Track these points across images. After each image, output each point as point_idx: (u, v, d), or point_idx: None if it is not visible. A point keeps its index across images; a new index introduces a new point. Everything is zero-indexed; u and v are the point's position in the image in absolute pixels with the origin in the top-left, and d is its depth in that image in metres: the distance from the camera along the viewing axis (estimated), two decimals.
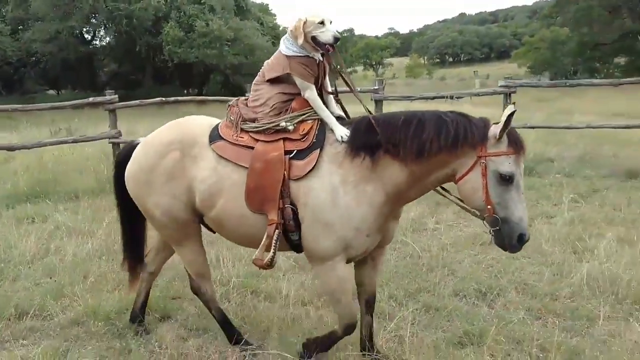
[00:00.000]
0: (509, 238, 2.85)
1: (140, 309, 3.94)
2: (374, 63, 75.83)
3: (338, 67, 3.33)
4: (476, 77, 48.48)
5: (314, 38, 3.14)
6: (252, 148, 3.19)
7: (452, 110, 2.99)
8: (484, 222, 2.95)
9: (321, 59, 3.24)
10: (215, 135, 3.33)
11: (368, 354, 3.41)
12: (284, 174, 3.07)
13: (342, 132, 3.10)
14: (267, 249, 3.10)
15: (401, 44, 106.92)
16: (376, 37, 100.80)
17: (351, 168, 3.03)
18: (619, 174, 8.29)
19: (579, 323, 3.85)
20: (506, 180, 2.80)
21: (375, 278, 3.46)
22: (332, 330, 3.38)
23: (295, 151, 3.12)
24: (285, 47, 3.24)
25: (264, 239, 3.10)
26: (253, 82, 3.37)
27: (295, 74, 3.19)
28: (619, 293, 4.17)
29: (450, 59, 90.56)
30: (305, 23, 3.14)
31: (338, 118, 3.25)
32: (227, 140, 3.27)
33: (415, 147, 2.90)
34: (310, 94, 3.19)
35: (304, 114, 3.20)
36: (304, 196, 3.06)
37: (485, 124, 2.88)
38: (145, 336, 3.81)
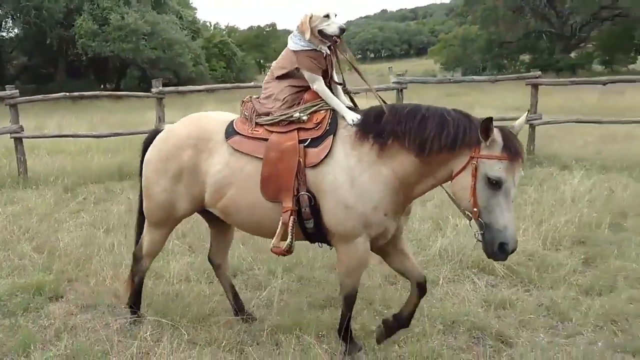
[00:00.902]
0: (490, 245, 2.87)
1: (235, 303, 4.01)
2: None
3: (347, 56, 3.39)
4: (390, 73, 50.08)
5: (320, 31, 3.28)
6: (267, 140, 3.32)
7: (455, 109, 3.09)
8: (470, 224, 3.00)
9: (328, 51, 3.36)
10: (230, 131, 3.44)
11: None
12: (299, 161, 3.18)
13: (352, 116, 3.23)
14: (284, 237, 3.21)
15: None
16: None
17: (363, 150, 3.15)
18: None
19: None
20: (494, 184, 2.82)
21: (412, 261, 3.49)
22: (341, 313, 3.46)
23: (309, 140, 3.24)
24: (293, 42, 3.37)
25: (279, 227, 3.21)
26: (263, 82, 3.55)
27: (303, 68, 3.31)
28: (462, 260, 4.88)
29: (372, 55, 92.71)
30: (311, 18, 3.28)
31: (349, 108, 3.36)
32: (243, 135, 3.39)
33: (418, 142, 3.01)
34: (319, 85, 3.30)
35: (316, 105, 3.31)
36: (323, 182, 3.16)
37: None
38: (35, 313, 4.11)
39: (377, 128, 3.12)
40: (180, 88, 12.18)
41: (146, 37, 31.10)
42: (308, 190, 3.18)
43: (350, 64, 3.44)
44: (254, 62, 66.30)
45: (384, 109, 3.17)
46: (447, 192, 3.19)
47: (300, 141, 3.23)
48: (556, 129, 11.07)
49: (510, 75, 11.56)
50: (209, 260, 4.12)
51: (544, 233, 5.31)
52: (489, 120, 2.79)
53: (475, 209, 2.88)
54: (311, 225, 3.24)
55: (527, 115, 3.00)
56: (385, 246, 3.42)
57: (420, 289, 3.45)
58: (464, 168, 2.92)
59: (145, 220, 3.86)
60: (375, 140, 3.11)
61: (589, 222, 5.69)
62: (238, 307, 3.99)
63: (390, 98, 11.17)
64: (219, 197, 3.43)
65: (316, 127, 3.26)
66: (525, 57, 45.80)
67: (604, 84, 9.78)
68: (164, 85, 9.96)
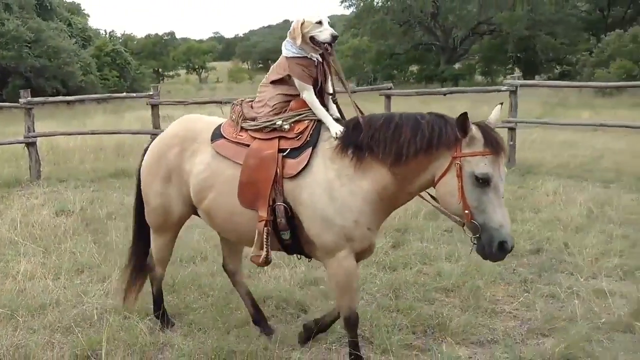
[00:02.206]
0: (489, 246, 2.75)
1: (254, 311, 3.97)
2: (196, 67, 75.49)
3: (335, 65, 3.32)
4: None
5: (312, 38, 3.23)
6: (249, 146, 3.28)
7: (430, 112, 3.05)
8: (464, 229, 2.92)
9: (319, 59, 3.30)
10: (217, 134, 3.43)
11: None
12: (277, 171, 3.14)
13: (337, 129, 3.16)
14: (261, 247, 3.19)
15: (225, 48, 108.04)
16: (200, 40, 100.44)
17: (344, 163, 3.09)
18: None
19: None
20: (482, 182, 2.73)
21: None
22: (348, 341, 3.38)
23: (289, 149, 3.18)
24: (286, 49, 3.34)
25: (256, 237, 3.19)
26: (259, 85, 3.49)
27: (294, 75, 3.25)
28: None
29: (274, 65, 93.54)
30: (303, 24, 3.24)
31: (336, 119, 3.31)
32: (227, 138, 3.37)
33: (394, 150, 2.95)
34: (308, 95, 3.25)
35: (300, 114, 3.26)
36: (300, 194, 3.11)
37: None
38: None
39: (355, 140, 3.08)
40: (50, 99, 12.11)
41: (30, 45, 29.86)
42: (285, 201, 3.14)
43: (336, 74, 3.36)
44: (151, 70, 64.99)
45: (359, 120, 3.14)
46: (428, 200, 3.16)
47: (280, 150, 3.19)
48: None
49: (365, 87, 12.65)
50: (224, 268, 4.12)
51: None
52: (464, 115, 2.73)
53: (466, 211, 2.77)
54: (287, 236, 3.20)
55: (500, 108, 2.96)
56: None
57: None
58: (447, 170, 2.84)
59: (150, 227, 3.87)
60: (353, 153, 3.06)
61: (413, 213, 6.61)
62: (257, 317, 3.94)
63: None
64: (201, 199, 3.43)
65: (297, 137, 3.21)
66: (414, 68, 48.53)
67: (444, 94, 11.04)
68: (52, 94, 10.07)
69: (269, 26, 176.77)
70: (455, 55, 46.84)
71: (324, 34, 3.21)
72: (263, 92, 3.41)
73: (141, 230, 4.00)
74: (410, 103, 15.63)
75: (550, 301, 4.37)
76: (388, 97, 10.61)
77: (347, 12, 49.04)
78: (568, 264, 5.09)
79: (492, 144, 2.76)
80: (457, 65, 46.84)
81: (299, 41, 3.23)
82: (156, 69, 71.37)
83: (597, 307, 4.16)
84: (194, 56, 73.96)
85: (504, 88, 10.01)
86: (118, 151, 11.53)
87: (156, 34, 75.40)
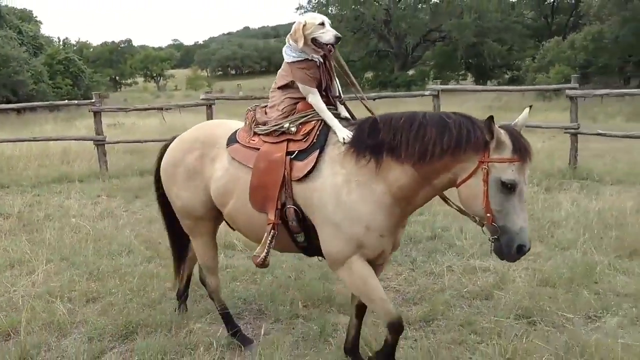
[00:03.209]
0: (508, 248, 2.75)
1: (184, 288, 4.39)
2: (154, 75, 75.03)
3: (341, 66, 3.31)
4: (240, 90, 51.57)
5: (314, 39, 3.20)
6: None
7: (455, 112, 2.95)
8: (483, 229, 2.92)
9: (322, 60, 3.27)
10: (232, 139, 3.46)
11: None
12: (285, 174, 3.13)
13: (344, 133, 3.12)
14: (263, 248, 3.21)
15: (184, 56, 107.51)
16: (159, 48, 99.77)
17: (355, 168, 3.02)
18: None
19: None
20: (508, 188, 2.70)
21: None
22: (384, 340, 3.23)
23: (296, 152, 3.17)
24: (286, 54, 3.31)
25: (264, 237, 3.20)
26: (270, 90, 3.49)
27: (297, 80, 3.24)
28: None
29: (233, 72, 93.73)
30: (304, 26, 3.20)
31: (344, 120, 3.29)
32: (241, 144, 3.39)
33: (417, 150, 2.87)
34: (313, 98, 3.23)
35: (306, 115, 3.25)
36: (310, 197, 3.09)
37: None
38: None
39: (373, 143, 2.99)
40: None
41: None
42: (295, 204, 3.13)
43: (344, 75, 3.35)
44: (108, 79, 64.34)
45: (378, 121, 3.06)
46: (448, 203, 3.14)
47: (289, 153, 3.18)
48: None
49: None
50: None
51: None
52: (491, 118, 2.68)
53: (488, 215, 2.75)
54: (302, 239, 3.21)
55: (528, 111, 2.91)
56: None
57: (358, 310, 3.48)
58: (473, 173, 2.78)
59: None
60: (372, 156, 2.99)
61: None
62: (183, 291, 4.37)
63: (201, 114, 12.35)
64: (223, 204, 3.46)
65: (304, 138, 3.19)
66: (369, 75, 49.60)
67: (374, 99, 11.68)
68: (2, 103, 10.25)
69: (229, 33, 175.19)
70: (408, 62, 48.09)
71: (327, 35, 3.18)
72: (273, 97, 3.42)
73: (172, 227, 4.14)
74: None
75: (429, 277, 5.01)
76: None
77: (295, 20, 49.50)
78: (457, 247, 5.74)
79: (521, 151, 2.71)
80: (410, 72, 48.09)
81: (301, 43, 3.19)
82: (113, 76, 70.73)
83: (465, 280, 4.81)
84: (151, 64, 73.68)
85: (427, 93, 10.73)
86: (64, 158, 11.81)
87: (113, 42, 74.85)
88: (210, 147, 3.54)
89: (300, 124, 3.24)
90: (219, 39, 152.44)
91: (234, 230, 3.82)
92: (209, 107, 11.06)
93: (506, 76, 45.54)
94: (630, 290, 4.53)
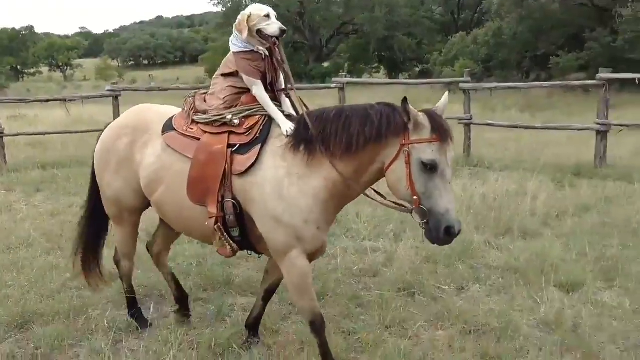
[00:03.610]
0: (436, 231, 2.78)
1: (177, 290, 4.10)
2: (60, 64, 71.36)
3: (280, 60, 3.27)
4: (151, 81, 50.36)
5: (259, 31, 3.17)
6: (199, 139, 3.22)
7: (380, 102, 3.01)
8: (412, 215, 2.92)
9: (267, 53, 3.23)
10: (168, 126, 3.37)
11: (250, 337, 3.71)
12: (225, 167, 3.09)
13: (287, 126, 3.11)
14: (222, 244, 3.20)
15: (93, 45, 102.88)
16: (65, 36, 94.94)
17: (294, 161, 3.05)
18: None
19: None
20: (429, 169, 2.76)
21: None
22: (317, 344, 3.28)
23: (238, 145, 3.13)
24: (232, 44, 3.27)
25: (214, 236, 3.17)
26: (212, 77, 3.41)
27: (241, 71, 3.20)
28: None
29: (145, 62, 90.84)
30: (249, 17, 3.17)
31: (288, 115, 3.25)
32: (178, 131, 3.30)
33: (344, 142, 2.93)
34: (257, 90, 3.20)
35: (251, 109, 3.20)
36: (249, 191, 3.08)
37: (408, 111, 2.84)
38: None
39: (307, 136, 3.05)
40: None
41: None
42: (234, 198, 3.11)
43: (279, 66, 3.31)
44: (9, 68, 60.51)
45: (312, 115, 3.11)
46: (371, 197, 3.16)
47: (230, 145, 3.14)
48: None
49: (188, 87, 13.01)
50: (148, 249, 4.22)
51: None
52: (405, 100, 2.76)
53: (415, 197, 2.80)
54: (236, 233, 3.19)
55: (447, 95, 3.00)
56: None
57: (267, 294, 3.68)
58: (396, 157, 2.85)
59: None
60: (305, 150, 3.03)
61: None
62: (179, 296, 4.09)
63: (107, 106, 12.13)
64: (152, 192, 3.40)
65: (246, 132, 3.15)
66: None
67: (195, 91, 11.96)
68: None
69: (142, 22, 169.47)
70: (323, 54, 48.73)
71: (272, 27, 3.16)
72: (215, 84, 3.35)
73: (92, 217, 4.03)
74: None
75: (324, 259, 5.35)
76: None
77: (211, 10, 48.84)
78: (353, 231, 6.13)
79: (439, 131, 2.77)
80: (326, 64, 48.75)
81: (245, 34, 3.17)
82: (14, 66, 66.57)
83: (357, 260, 5.20)
84: (57, 52, 70.02)
85: (333, 85, 11.13)
86: None
87: (13, 29, 70.28)
88: (141, 133, 3.47)
89: (244, 117, 3.19)
90: (131, 28, 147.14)
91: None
92: (115, 98, 10.91)
93: (417, 69, 47.21)
94: (500, 263, 5.09)
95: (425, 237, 2.91)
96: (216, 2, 46.65)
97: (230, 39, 3.30)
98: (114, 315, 4.14)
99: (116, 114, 10.84)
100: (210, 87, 3.40)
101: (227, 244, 3.19)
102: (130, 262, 3.97)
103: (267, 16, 3.18)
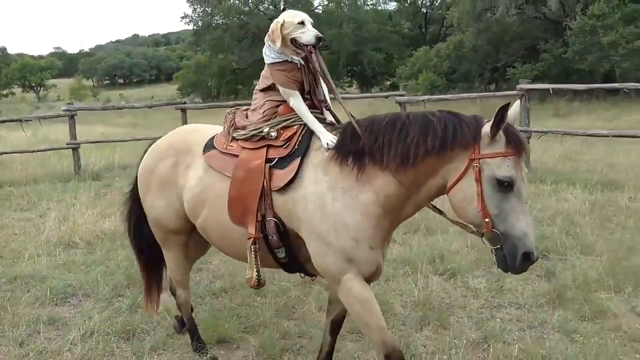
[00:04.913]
0: (512, 257, 2.47)
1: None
2: (33, 85, 71.20)
3: (319, 69, 3.06)
4: (122, 100, 50.74)
5: (294, 40, 3.01)
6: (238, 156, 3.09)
7: (441, 110, 2.74)
8: (483, 240, 2.62)
9: (302, 62, 3.07)
10: (209, 145, 3.26)
11: None
12: (264, 183, 2.91)
13: (328, 138, 2.91)
14: (251, 268, 3.00)
15: (68, 65, 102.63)
16: (39, 56, 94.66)
17: (339, 175, 2.80)
18: None
19: None
20: (505, 186, 2.45)
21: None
22: None
23: (276, 159, 2.96)
24: (265, 55, 3.14)
25: (248, 257, 2.98)
26: (254, 91, 3.30)
27: (277, 82, 3.06)
28: (49, 239, 6.63)
29: (121, 81, 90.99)
30: (283, 25, 3.01)
31: (329, 125, 3.10)
32: (218, 150, 3.18)
33: (399, 152, 2.64)
34: (294, 101, 3.03)
35: (288, 119, 3.04)
36: (293, 210, 2.87)
37: (477, 121, 2.58)
38: None
39: (355, 147, 2.78)
40: None
41: None
42: (275, 216, 2.91)
43: (322, 78, 3.12)
44: None
45: (360, 124, 2.86)
46: (432, 208, 2.94)
47: (268, 160, 2.97)
48: None
49: (162, 102, 13.81)
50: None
51: None
52: (505, 108, 2.41)
53: (487, 220, 2.48)
54: (282, 254, 2.99)
55: (520, 103, 2.66)
56: None
57: (334, 326, 3.35)
58: (463, 174, 2.53)
59: None
60: (354, 162, 2.77)
61: None
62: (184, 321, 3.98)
63: (60, 125, 12.59)
64: (196, 216, 3.26)
65: (284, 144, 2.98)
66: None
67: (232, 107, 12.57)
68: None
69: (118, 41, 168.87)
70: None
71: (307, 35, 2.98)
72: (255, 99, 3.23)
73: (136, 238, 3.96)
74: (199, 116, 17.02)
75: None
76: (183, 110, 11.90)
77: (187, 27, 49.49)
78: None
79: (515, 143, 2.47)
80: None
81: (278, 44, 3.02)
82: None
83: None
84: (30, 73, 69.88)
85: None
86: None
87: None
88: (184, 155, 3.36)
89: (281, 128, 3.04)
90: (107, 47, 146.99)
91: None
92: (72, 117, 11.40)
93: (387, 83, 48.19)
94: (397, 256, 5.68)
95: (497, 264, 2.57)
96: (187, 20, 47.03)
97: (264, 50, 3.17)
98: None
99: (72, 133, 11.35)
100: (252, 103, 3.27)
101: (255, 270, 2.97)
102: (185, 290, 3.78)
103: (302, 23, 3.00)
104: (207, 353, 3.78)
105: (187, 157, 3.35)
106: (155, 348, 3.95)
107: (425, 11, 50.43)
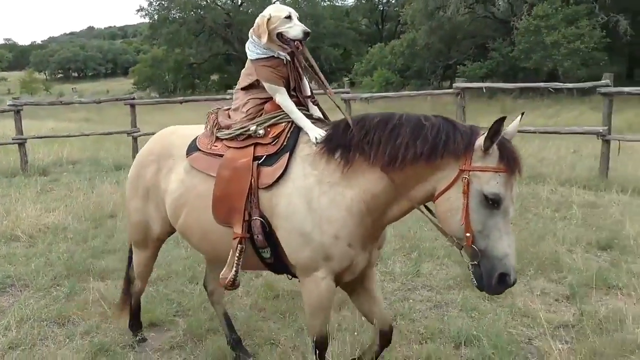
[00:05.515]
0: (488, 277, 2.43)
1: (229, 333, 3.84)
2: None
3: (309, 64, 3.03)
4: (74, 93, 49.76)
5: (280, 35, 2.94)
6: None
7: (436, 114, 2.70)
8: (461, 252, 2.59)
9: (289, 58, 3.01)
10: (192, 147, 3.21)
11: None
12: (251, 182, 2.87)
13: (316, 133, 2.88)
14: (230, 267, 2.92)
15: (19, 57, 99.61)
16: None
17: (327, 169, 2.78)
18: None
19: None
20: (491, 204, 2.39)
21: (380, 306, 3.16)
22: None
23: (264, 157, 2.92)
24: (249, 50, 3.06)
25: (230, 255, 2.93)
26: (234, 90, 3.22)
27: (262, 79, 2.99)
28: None
29: (75, 74, 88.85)
30: (269, 20, 2.93)
31: (317, 121, 3.05)
32: (202, 151, 3.14)
33: (388, 152, 2.60)
34: (281, 97, 2.98)
35: (275, 117, 3.00)
36: (276, 205, 2.83)
37: (472, 131, 2.52)
38: None
39: (344, 142, 2.75)
40: None
41: None
42: (261, 215, 2.87)
43: (312, 73, 3.09)
44: None
45: (352, 119, 2.83)
46: (424, 212, 2.82)
47: (256, 158, 2.92)
48: None
49: (111, 97, 13.89)
50: (204, 286, 4.03)
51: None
52: (501, 121, 2.34)
53: (468, 234, 2.43)
54: (268, 254, 2.94)
55: (520, 118, 2.59)
56: (352, 282, 3.05)
57: (384, 338, 3.16)
58: (452, 184, 2.48)
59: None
60: (341, 157, 2.74)
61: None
62: (233, 338, 3.81)
63: (10, 120, 12.52)
64: (176, 218, 3.24)
65: (273, 142, 2.94)
66: (216, 77, 50.31)
67: (181, 102, 12.81)
68: None
69: (72, 33, 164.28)
70: None
71: (294, 30, 2.92)
72: (236, 98, 3.18)
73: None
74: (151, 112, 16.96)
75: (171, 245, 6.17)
76: (132, 106, 12.00)
77: (144, 20, 48.83)
78: None
79: (509, 160, 2.41)
80: None
81: (264, 39, 2.93)
82: None
83: None
84: None
85: (228, 97, 11.97)
86: None
87: None
88: (165, 159, 3.35)
89: (269, 126, 2.99)
90: (60, 39, 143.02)
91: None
92: (17, 112, 11.35)
93: (346, 79, 48.71)
94: None
95: (473, 281, 2.55)
96: (143, 13, 46.44)
97: (247, 45, 3.09)
98: None
99: (18, 128, 11.32)
100: (233, 102, 3.22)
101: (233, 271, 2.91)
102: (143, 283, 3.94)
103: (289, 17, 2.95)
104: (138, 335, 4.05)
105: (168, 161, 3.33)
106: (89, 332, 4.20)
107: (382, 8, 51.16)
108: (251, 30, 3.07)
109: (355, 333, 3.75)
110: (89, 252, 6.03)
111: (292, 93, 3.08)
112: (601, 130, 8.99)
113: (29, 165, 11.10)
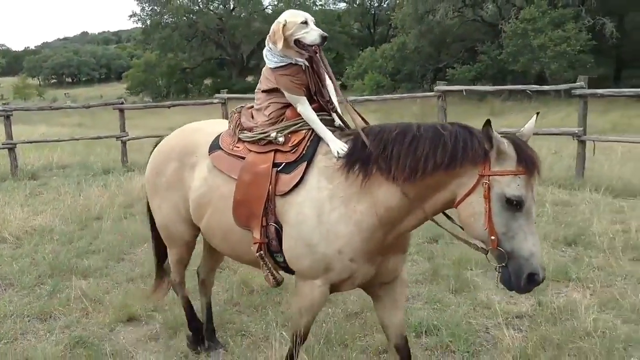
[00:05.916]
0: (517, 277, 2.46)
1: (207, 323, 3.99)
2: None
3: (325, 69, 3.03)
4: (67, 98, 49.92)
5: (297, 41, 2.91)
6: (244, 159, 3.05)
7: (452, 122, 2.71)
8: (487, 257, 2.60)
9: (307, 64, 2.97)
10: (215, 145, 3.22)
11: None
12: (269, 188, 2.89)
13: (338, 146, 2.84)
14: (263, 270, 3.03)
15: (12, 63, 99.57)
16: None
17: (343, 184, 2.77)
18: None
19: None
20: (513, 205, 2.43)
21: (399, 317, 3.12)
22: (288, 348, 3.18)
23: (283, 164, 2.92)
24: (267, 59, 3.04)
25: (260, 261, 3.00)
26: (255, 90, 3.21)
27: (282, 88, 2.98)
28: None
29: (69, 80, 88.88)
30: (285, 26, 2.90)
31: (337, 129, 3.03)
32: (224, 150, 3.14)
33: (408, 165, 2.59)
34: (302, 107, 2.96)
35: (295, 124, 2.99)
36: (286, 212, 2.87)
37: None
38: None
39: (363, 156, 2.73)
40: None
41: None
42: (276, 221, 2.91)
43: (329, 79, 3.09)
44: None
45: (369, 131, 2.82)
46: (436, 222, 2.82)
47: (276, 165, 2.94)
48: None
49: (100, 103, 14.09)
50: (197, 273, 4.13)
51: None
52: (488, 123, 2.43)
53: (492, 237, 2.47)
54: (281, 259, 2.97)
55: (535, 119, 2.65)
56: (378, 289, 3.09)
57: (401, 353, 3.13)
58: (472, 190, 2.50)
59: None
60: (360, 170, 2.73)
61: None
62: (208, 328, 3.97)
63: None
64: (200, 217, 3.26)
65: (292, 150, 2.93)
66: (209, 81, 50.52)
67: (169, 107, 12.98)
68: None
69: (65, 38, 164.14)
70: (245, 69, 49.74)
71: (312, 35, 2.88)
72: (258, 99, 3.17)
73: (157, 238, 3.93)
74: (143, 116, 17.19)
75: None
76: (121, 110, 12.19)
77: (137, 25, 49.02)
78: None
79: (527, 162, 2.44)
80: (249, 78, 49.78)
81: (280, 45, 2.91)
82: None
83: None
84: None
85: (215, 101, 12.18)
86: None
87: None
88: (188, 156, 3.35)
89: (289, 133, 2.99)
90: (54, 45, 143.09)
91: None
92: (7, 118, 11.52)
93: (339, 82, 48.86)
94: None
95: (501, 282, 2.56)
96: (136, 19, 46.63)
97: (264, 52, 3.08)
98: None
99: (8, 133, 11.49)
100: (255, 102, 3.22)
101: (268, 272, 3.00)
102: (179, 277, 3.92)
103: (305, 23, 2.91)
104: (113, 330, 4.27)
105: (191, 158, 3.34)
106: (69, 326, 4.40)
107: (373, 12, 51.46)
108: (267, 37, 3.06)
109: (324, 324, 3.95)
110: (73, 252, 6.21)
111: (314, 97, 3.05)
112: (576, 131, 9.22)
113: (19, 169, 11.26)
